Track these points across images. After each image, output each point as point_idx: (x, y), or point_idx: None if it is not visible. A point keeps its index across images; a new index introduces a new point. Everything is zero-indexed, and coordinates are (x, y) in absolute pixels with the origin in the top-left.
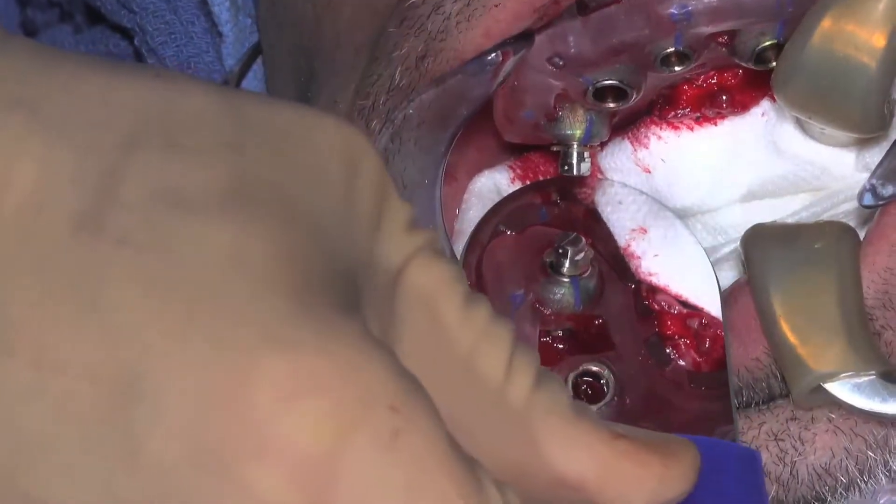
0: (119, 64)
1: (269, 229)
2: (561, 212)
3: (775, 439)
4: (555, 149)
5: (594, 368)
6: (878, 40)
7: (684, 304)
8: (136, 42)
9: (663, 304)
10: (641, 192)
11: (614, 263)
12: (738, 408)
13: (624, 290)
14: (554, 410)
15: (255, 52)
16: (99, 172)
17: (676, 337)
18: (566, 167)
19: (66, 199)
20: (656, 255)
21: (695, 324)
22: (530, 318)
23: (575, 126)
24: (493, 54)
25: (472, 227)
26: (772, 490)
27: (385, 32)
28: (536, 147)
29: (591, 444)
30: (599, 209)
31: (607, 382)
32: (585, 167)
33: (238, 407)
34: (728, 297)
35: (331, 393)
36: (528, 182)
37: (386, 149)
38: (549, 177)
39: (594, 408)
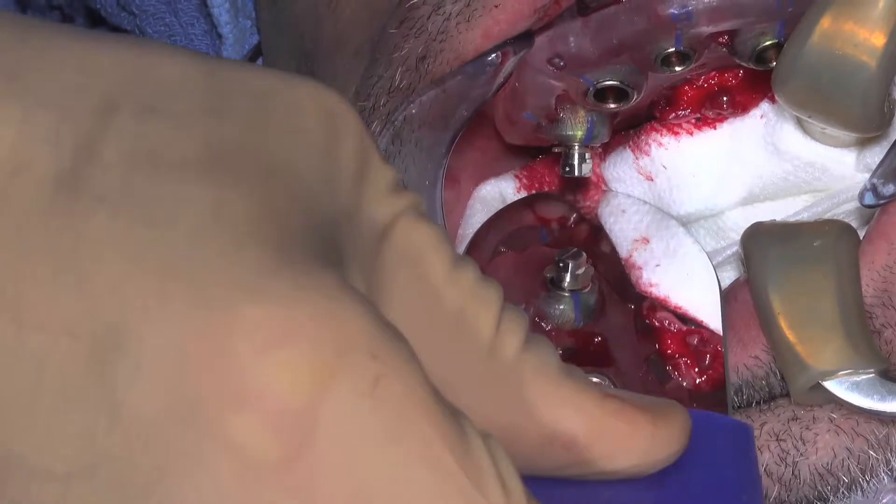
0: (96, 32)
1: (247, 187)
2: (562, 234)
3: (777, 439)
4: (556, 150)
5: (595, 379)
6: (878, 39)
7: (683, 317)
8: None
9: (665, 321)
10: (645, 203)
11: (616, 283)
12: (739, 407)
13: (625, 309)
14: (543, 370)
15: (256, 53)
16: (76, 135)
17: (677, 356)
18: (567, 168)
19: (44, 161)
20: (657, 266)
21: (694, 340)
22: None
23: (576, 127)
24: (493, 55)
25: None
26: (774, 490)
27: (385, 33)
28: (540, 152)
29: (581, 403)
30: (602, 220)
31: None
32: (587, 168)
33: (216, 358)
34: (727, 295)
35: (309, 341)
36: (533, 192)
37: (386, 150)
38: (554, 188)
39: None
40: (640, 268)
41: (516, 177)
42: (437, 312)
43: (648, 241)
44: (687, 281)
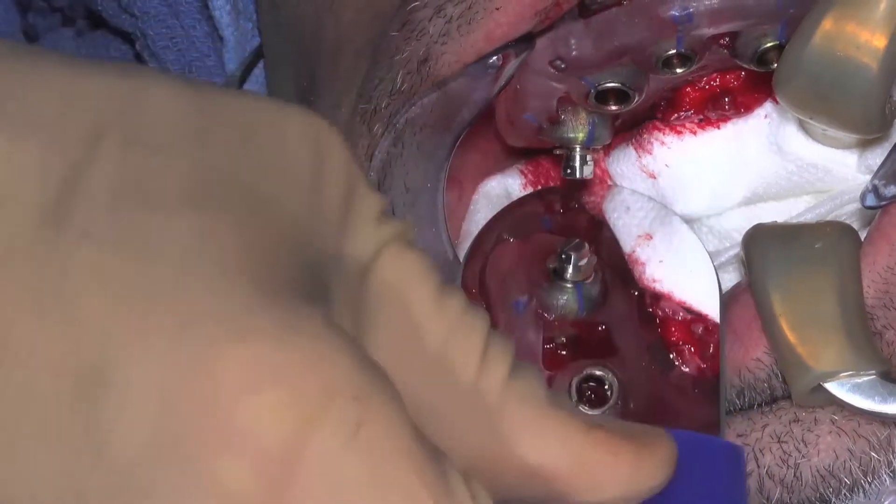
0: (82, 59)
1: (232, 221)
2: (565, 220)
3: (778, 441)
4: (557, 152)
5: (598, 373)
6: (880, 41)
7: (688, 310)
8: (137, 47)
9: (667, 310)
10: (650, 199)
11: (618, 270)
12: (740, 409)
13: (627, 297)
14: (528, 400)
15: (257, 56)
16: (62, 167)
17: (680, 343)
18: (569, 170)
19: (29, 193)
20: (661, 262)
21: (699, 329)
22: (534, 324)
23: (577, 129)
24: (495, 57)
25: (480, 228)
26: (775, 492)
27: (386, 36)
28: (542, 150)
29: (565, 435)
30: (607, 216)
31: (611, 387)
32: (588, 170)
33: (200, 398)
34: (729, 299)
35: (293, 383)
36: (539, 188)
37: (388, 153)
38: (559, 183)
39: (598, 411)
40: (643, 263)
41: (521, 172)
42: (421, 345)
43: (652, 238)
44: (691, 277)
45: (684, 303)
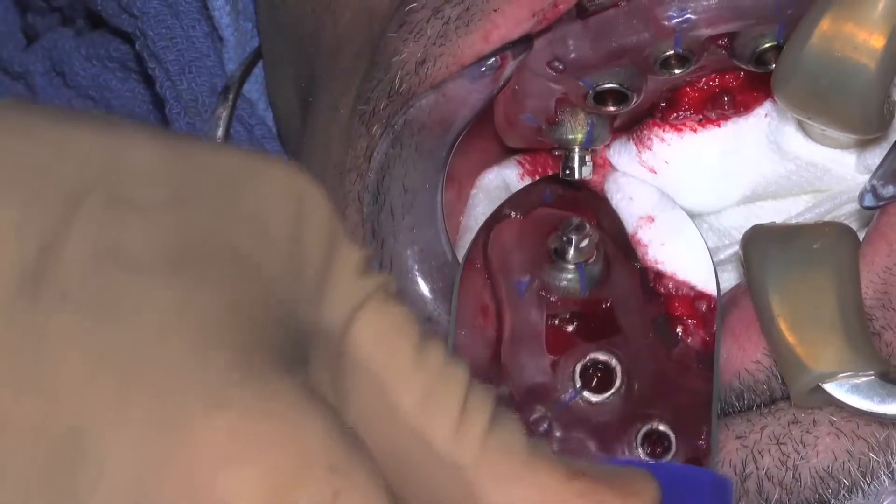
0: (64, 112)
1: (212, 287)
2: (566, 192)
3: (777, 443)
4: (556, 153)
5: (602, 357)
6: (878, 41)
7: (691, 289)
8: (137, 47)
9: (670, 286)
10: (651, 184)
11: (620, 243)
12: (739, 411)
13: (630, 272)
14: (508, 452)
15: (257, 56)
16: (42, 228)
17: (685, 317)
18: (567, 171)
19: (9, 254)
20: (663, 244)
21: (703, 306)
22: (536, 305)
23: (576, 130)
24: (493, 59)
25: (479, 224)
26: (774, 494)
27: (384, 37)
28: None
29: (547, 486)
30: (609, 196)
31: (615, 371)
32: (587, 171)
33: (178, 469)
34: (727, 302)
35: (269, 455)
36: (537, 178)
37: (387, 154)
38: (558, 170)
39: (603, 397)
40: (645, 245)
41: (519, 162)
42: (401, 403)
43: (654, 220)
44: (693, 259)
45: (688, 283)
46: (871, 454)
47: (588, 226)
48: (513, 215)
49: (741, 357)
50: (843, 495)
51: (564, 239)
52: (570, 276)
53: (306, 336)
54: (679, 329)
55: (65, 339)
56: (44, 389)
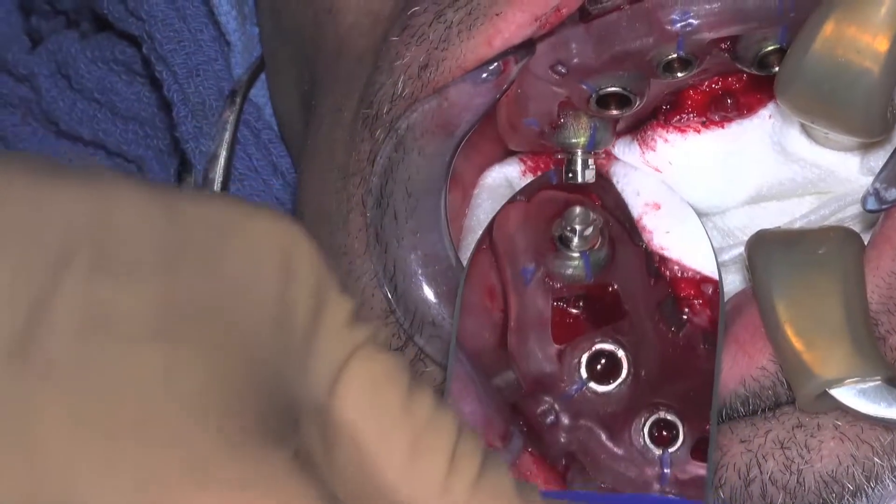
0: (52, 167)
1: (198, 357)
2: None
3: (781, 447)
4: (559, 156)
5: (608, 348)
6: (881, 44)
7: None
8: (144, 50)
9: (675, 269)
10: (653, 174)
11: (624, 225)
12: (744, 416)
13: (636, 253)
14: (499, 497)
15: (264, 61)
16: (29, 294)
17: (691, 297)
18: (570, 175)
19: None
20: (667, 232)
21: (709, 290)
22: (542, 293)
23: (579, 134)
24: (496, 63)
25: (481, 224)
26: (778, 498)
27: (387, 41)
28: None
29: None
30: (614, 180)
31: (622, 361)
32: (590, 175)
33: None
34: (731, 308)
35: None
36: (539, 174)
37: (390, 158)
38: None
39: (610, 388)
40: (650, 231)
41: (521, 160)
42: (389, 462)
43: (660, 207)
44: (698, 247)
45: (693, 269)
46: (876, 458)
47: (592, 213)
48: (519, 198)
49: (747, 364)
50: (848, 500)
51: (569, 229)
52: (574, 263)
53: (296, 400)
54: (686, 310)
55: (52, 410)
56: (31, 461)
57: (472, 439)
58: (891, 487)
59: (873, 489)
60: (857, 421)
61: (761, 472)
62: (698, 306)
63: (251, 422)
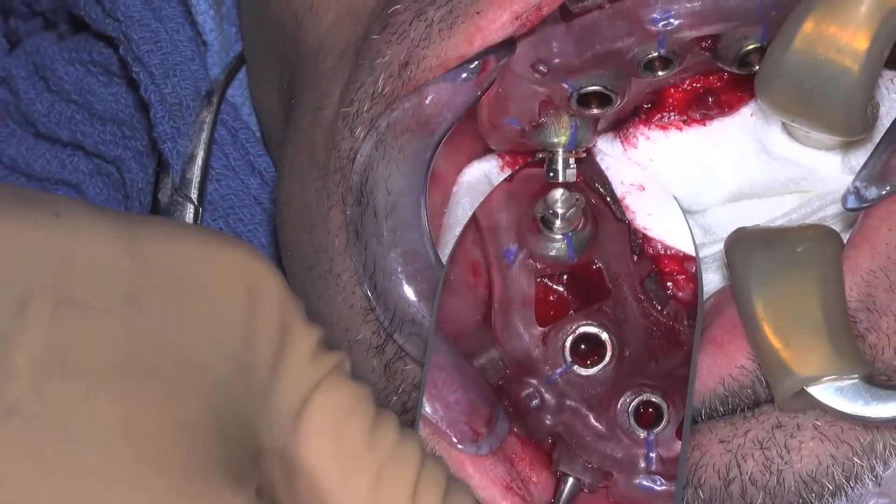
0: (15, 198)
1: (160, 397)
2: None
3: (761, 447)
4: (540, 156)
5: (592, 331)
6: (861, 43)
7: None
8: (120, 51)
9: (658, 247)
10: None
11: (607, 198)
12: (723, 415)
13: (619, 230)
14: None
15: (241, 60)
16: None
17: (675, 273)
18: (551, 174)
19: None
20: (650, 214)
21: (692, 268)
22: (526, 275)
23: (560, 133)
24: (476, 62)
25: (460, 222)
26: (758, 498)
27: (368, 39)
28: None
29: None
30: (598, 158)
31: (606, 344)
32: (571, 174)
33: None
34: (710, 307)
35: None
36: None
37: (370, 156)
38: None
39: (594, 370)
40: (633, 212)
41: (499, 155)
42: (354, 486)
43: (644, 189)
44: (680, 230)
45: (674, 249)
46: (856, 458)
47: (574, 195)
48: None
49: (725, 363)
50: (828, 499)
51: (550, 211)
52: (557, 244)
53: (259, 439)
54: (670, 284)
55: (11, 454)
56: None
57: (436, 466)
58: (870, 486)
59: (853, 488)
60: (836, 420)
61: (741, 472)
62: (682, 281)
63: (212, 462)
